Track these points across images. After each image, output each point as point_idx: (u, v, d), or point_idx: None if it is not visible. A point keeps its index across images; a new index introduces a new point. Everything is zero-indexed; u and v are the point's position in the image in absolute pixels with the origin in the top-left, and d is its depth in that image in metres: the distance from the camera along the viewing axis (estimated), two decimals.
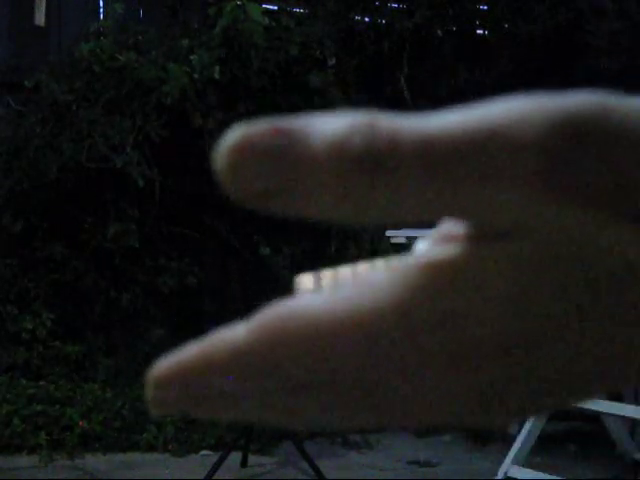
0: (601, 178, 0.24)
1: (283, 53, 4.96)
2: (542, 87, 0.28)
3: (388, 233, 4.23)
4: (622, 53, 4.88)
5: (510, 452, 3.58)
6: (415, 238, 3.94)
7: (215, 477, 3.59)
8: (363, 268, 0.38)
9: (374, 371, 0.26)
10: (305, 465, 3.78)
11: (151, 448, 4.18)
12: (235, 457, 3.83)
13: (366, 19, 5.51)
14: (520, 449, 3.56)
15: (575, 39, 4.99)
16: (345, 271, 0.38)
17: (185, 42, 4.78)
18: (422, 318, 0.25)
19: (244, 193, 0.25)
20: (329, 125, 0.24)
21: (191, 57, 4.71)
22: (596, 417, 4.03)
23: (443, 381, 0.26)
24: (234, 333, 0.27)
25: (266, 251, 5.07)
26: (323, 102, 5.13)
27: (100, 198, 4.81)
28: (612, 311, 0.25)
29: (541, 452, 3.97)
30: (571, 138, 0.23)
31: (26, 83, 4.80)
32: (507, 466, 3.54)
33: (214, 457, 3.78)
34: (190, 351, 0.28)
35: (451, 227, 0.30)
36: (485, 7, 5.60)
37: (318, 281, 0.38)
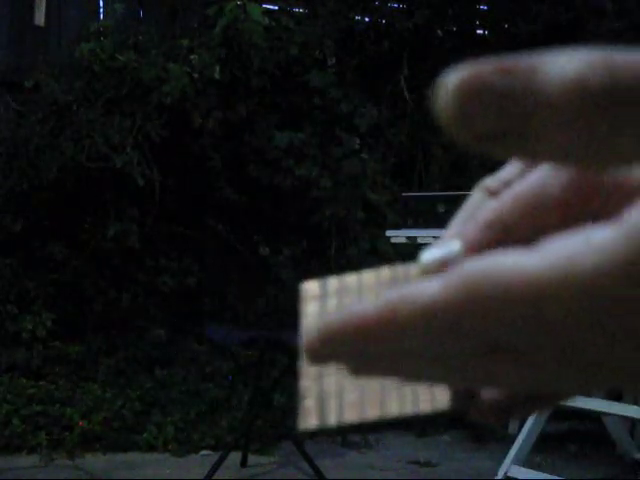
0: None
1: (283, 53, 4.96)
2: None
3: (388, 233, 4.23)
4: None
5: (510, 452, 3.58)
6: (415, 238, 3.94)
7: (215, 477, 3.59)
8: (369, 276, 0.38)
9: (590, 333, 0.24)
10: (305, 465, 3.78)
11: (151, 448, 4.18)
12: (235, 457, 3.83)
13: (366, 19, 5.50)
14: (520, 449, 3.56)
15: (575, 39, 4.99)
16: (351, 278, 0.38)
17: (185, 42, 4.78)
18: None
19: (470, 135, 0.24)
20: (562, 63, 0.23)
21: (191, 57, 4.71)
22: (596, 417, 4.03)
23: None
24: (424, 289, 0.26)
25: (266, 251, 5.06)
26: (323, 102, 5.13)
27: (100, 198, 4.81)
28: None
29: (541, 452, 3.97)
30: None
31: (26, 83, 4.80)
32: (507, 466, 3.54)
33: (214, 457, 3.78)
34: (370, 306, 0.27)
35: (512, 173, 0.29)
36: (485, 7, 5.59)
37: (324, 287, 0.38)
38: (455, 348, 0.26)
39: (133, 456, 4.11)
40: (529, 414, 0.34)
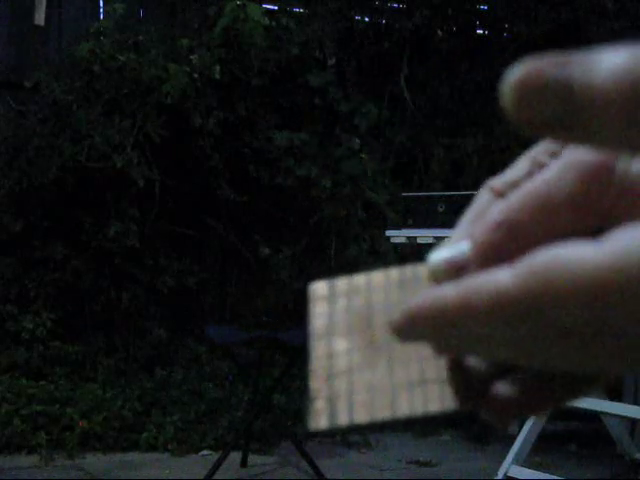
0: None
1: (283, 53, 4.96)
2: None
3: (388, 233, 4.23)
4: None
5: (510, 452, 3.58)
6: (415, 238, 3.94)
7: (215, 477, 3.59)
8: (378, 277, 0.37)
9: None
10: (305, 465, 3.78)
11: (151, 448, 4.18)
12: (235, 457, 3.83)
13: (366, 19, 5.50)
14: (520, 449, 3.56)
15: (575, 39, 4.99)
16: (359, 279, 0.38)
17: (185, 42, 4.78)
18: None
19: (530, 123, 0.26)
20: (613, 58, 0.25)
21: (191, 57, 4.71)
22: (596, 417, 4.03)
23: None
24: (497, 278, 0.28)
25: (266, 251, 5.06)
26: (323, 102, 5.13)
27: (100, 198, 4.81)
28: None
29: (541, 452, 3.97)
30: None
31: (26, 83, 4.80)
32: (507, 466, 3.54)
33: (214, 457, 3.78)
34: (447, 294, 0.29)
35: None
36: (485, 7, 5.59)
37: (333, 288, 0.38)
38: (526, 333, 0.28)
39: (133, 456, 4.11)
40: (543, 412, 0.35)
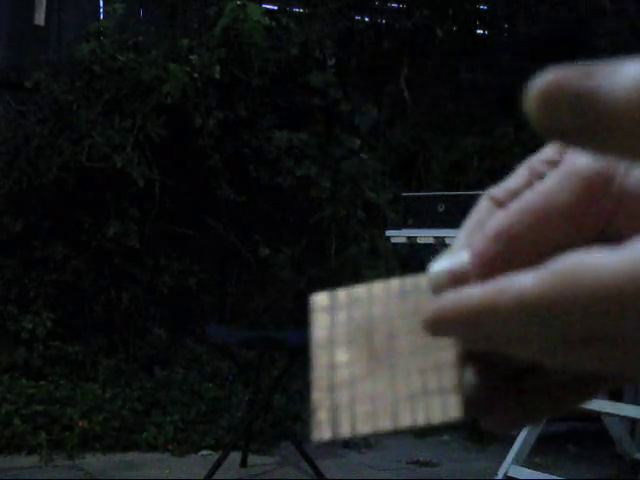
0: None
1: (283, 53, 4.96)
2: None
3: (388, 233, 4.23)
4: (622, 53, 4.87)
5: (510, 452, 3.58)
6: (415, 238, 3.94)
7: (215, 477, 3.59)
8: (378, 288, 0.38)
9: None
10: (305, 465, 3.78)
11: (151, 448, 4.18)
12: (235, 457, 3.83)
13: (366, 19, 5.51)
14: (520, 449, 3.56)
15: (575, 39, 4.99)
16: (360, 289, 0.38)
17: (185, 42, 4.78)
18: None
19: (552, 130, 0.27)
20: (629, 71, 0.27)
21: (191, 57, 4.71)
22: (596, 417, 4.03)
23: None
24: (521, 281, 0.29)
25: (266, 251, 5.06)
26: (323, 102, 5.13)
27: (100, 198, 4.81)
28: None
29: (541, 452, 3.97)
30: None
31: (26, 83, 4.80)
32: (507, 466, 3.54)
33: (214, 457, 3.78)
34: (473, 295, 0.30)
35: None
36: (485, 7, 5.60)
37: (334, 299, 0.38)
38: (548, 336, 0.29)
39: (133, 456, 4.11)
40: (547, 417, 0.36)
